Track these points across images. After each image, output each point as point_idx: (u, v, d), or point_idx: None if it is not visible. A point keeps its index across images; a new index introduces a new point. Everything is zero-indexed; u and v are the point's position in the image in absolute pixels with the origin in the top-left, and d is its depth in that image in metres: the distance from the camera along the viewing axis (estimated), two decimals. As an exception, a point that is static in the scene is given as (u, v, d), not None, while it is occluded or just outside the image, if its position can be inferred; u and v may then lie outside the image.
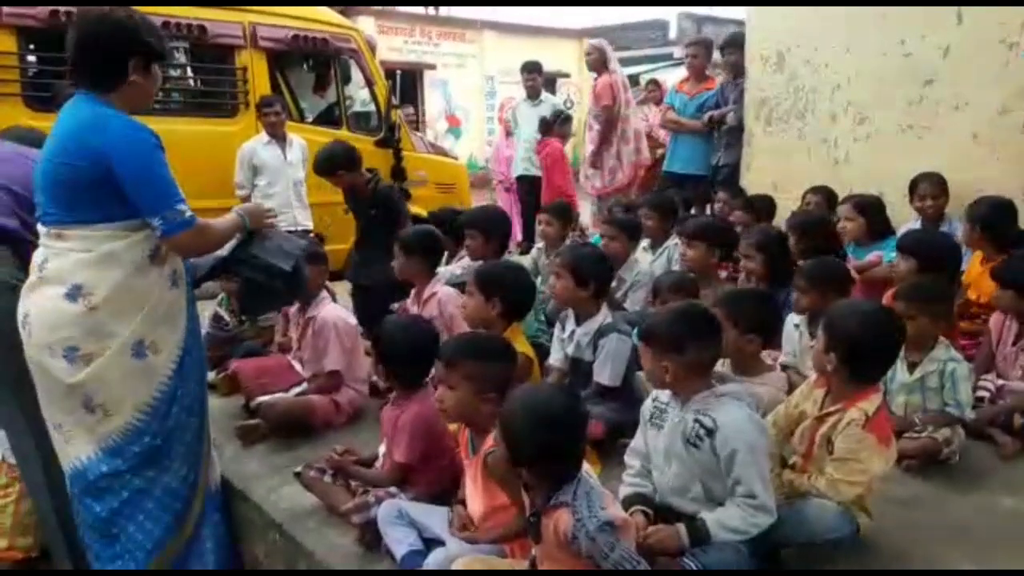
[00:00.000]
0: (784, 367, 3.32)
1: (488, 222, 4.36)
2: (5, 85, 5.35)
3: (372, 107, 7.47)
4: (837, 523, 2.27)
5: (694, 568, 2.07)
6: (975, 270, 3.92)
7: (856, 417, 2.27)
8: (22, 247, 2.98)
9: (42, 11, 5.39)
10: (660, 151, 7.52)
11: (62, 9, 5.41)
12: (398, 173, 7.11)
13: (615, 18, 28.11)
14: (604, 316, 3.15)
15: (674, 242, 4.53)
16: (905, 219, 4.66)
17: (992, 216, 3.89)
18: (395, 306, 4.36)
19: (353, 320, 3.61)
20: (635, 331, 3.23)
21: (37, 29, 5.57)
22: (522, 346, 2.96)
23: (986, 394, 3.28)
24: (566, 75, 20.24)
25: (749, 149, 6.30)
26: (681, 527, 2.13)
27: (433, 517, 2.43)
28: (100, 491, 2.57)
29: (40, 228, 2.52)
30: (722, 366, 2.62)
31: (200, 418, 2.76)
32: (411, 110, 12.30)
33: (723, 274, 4.35)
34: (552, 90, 16.55)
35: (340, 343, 3.47)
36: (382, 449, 2.78)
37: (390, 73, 10.50)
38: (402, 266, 3.81)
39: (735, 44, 6.50)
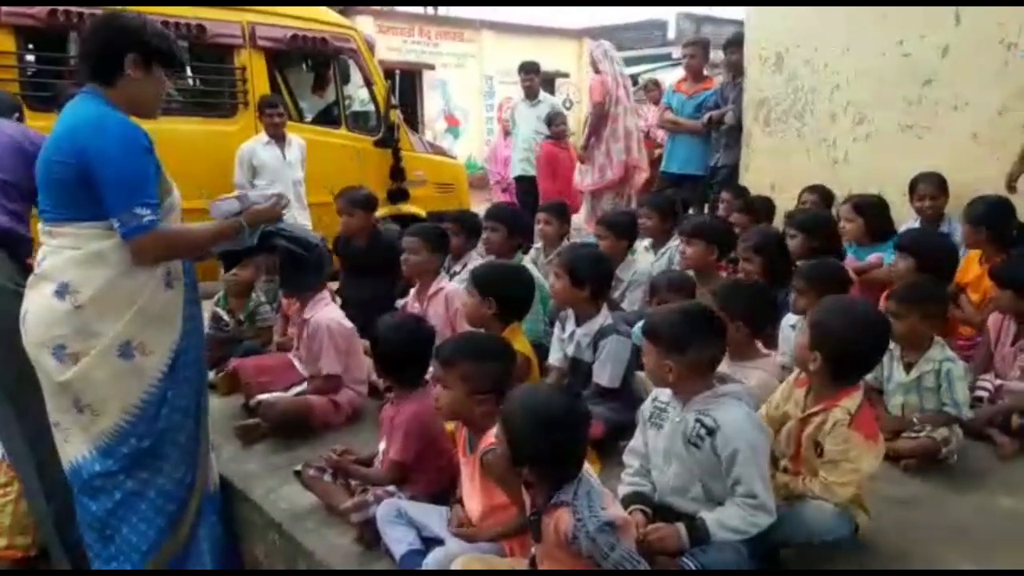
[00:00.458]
0: (783, 368, 3.32)
1: (513, 217, 4.38)
2: (4, 85, 5.34)
3: (371, 107, 7.46)
4: (835, 523, 2.27)
5: (693, 568, 2.08)
6: (972, 271, 3.92)
7: (841, 417, 2.27)
8: (20, 247, 2.98)
9: (41, 11, 5.39)
10: (658, 151, 7.53)
11: (61, 9, 5.41)
12: (397, 173, 7.11)
13: (614, 18, 28.16)
14: (604, 317, 3.15)
15: (676, 243, 4.53)
16: (904, 219, 4.66)
17: (992, 214, 3.90)
18: (399, 303, 4.38)
19: (349, 323, 3.59)
20: (636, 329, 3.24)
21: (36, 29, 5.57)
22: (521, 346, 2.96)
23: (984, 394, 3.29)
24: (565, 75, 20.25)
25: (748, 149, 6.30)
26: (681, 526, 2.13)
27: (432, 516, 2.43)
28: (95, 490, 2.57)
29: (39, 225, 2.53)
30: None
31: (196, 420, 2.74)
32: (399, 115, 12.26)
33: (723, 276, 4.35)
34: (551, 90, 16.57)
35: (334, 346, 3.45)
36: (381, 447, 2.78)
37: (389, 73, 10.52)
38: (418, 261, 3.84)
39: (737, 43, 6.51)
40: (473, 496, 2.35)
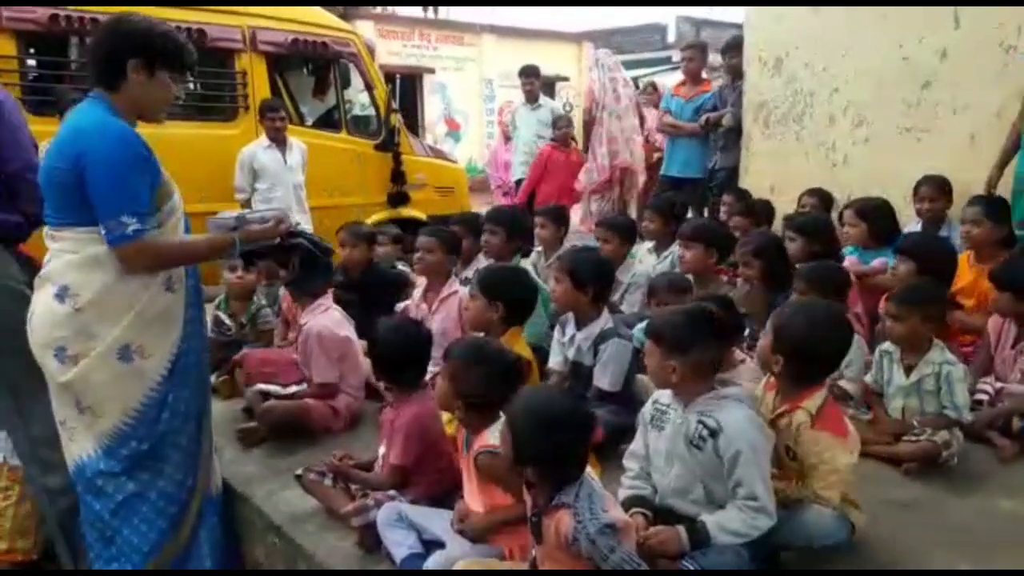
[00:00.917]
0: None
1: (512, 220, 4.38)
2: (5, 89, 5.35)
3: (371, 111, 7.48)
4: (836, 527, 2.27)
5: (693, 569, 2.08)
6: (964, 277, 3.91)
7: (803, 420, 2.29)
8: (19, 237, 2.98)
9: (42, 15, 5.40)
10: (657, 155, 7.55)
11: (62, 13, 5.43)
12: (397, 177, 7.12)
13: (614, 22, 28.19)
14: (605, 320, 3.15)
15: (678, 246, 4.54)
16: (904, 222, 4.66)
17: (991, 208, 3.91)
18: (398, 307, 4.38)
19: (343, 331, 3.55)
20: (636, 331, 3.24)
21: (37, 33, 5.59)
22: (521, 349, 2.97)
23: (984, 397, 3.29)
24: (565, 79, 20.25)
25: (747, 152, 6.31)
26: (681, 529, 2.13)
27: (433, 519, 2.43)
28: (99, 490, 2.58)
29: (44, 229, 2.55)
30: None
31: (197, 422, 2.75)
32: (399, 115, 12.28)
33: (723, 279, 4.35)
34: (551, 94, 16.57)
35: (325, 355, 3.44)
36: (381, 451, 2.79)
37: (389, 77, 10.53)
38: (432, 261, 3.87)
39: (736, 47, 6.52)
40: (472, 494, 2.36)
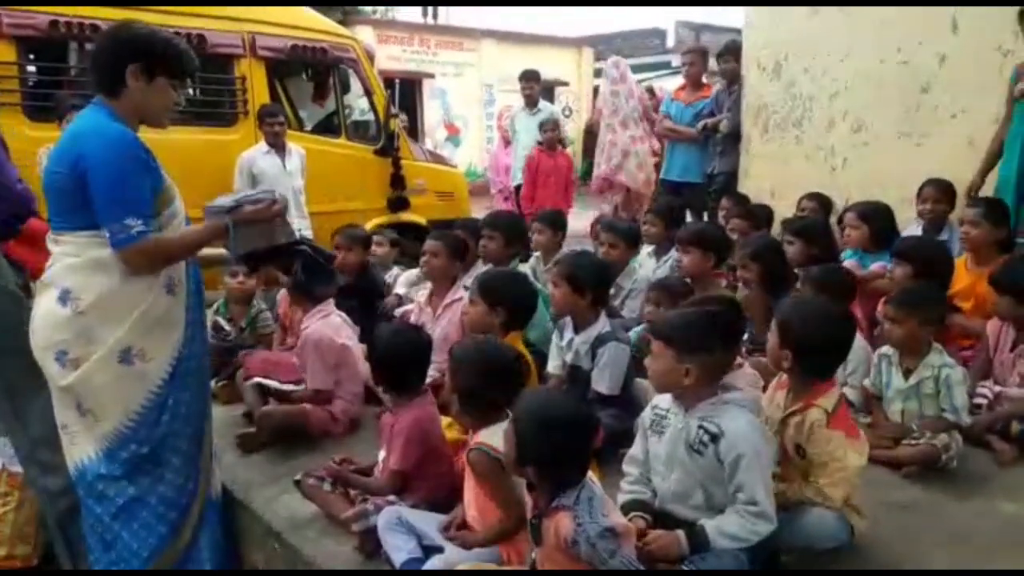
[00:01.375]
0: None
1: (510, 225, 4.39)
2: (5, 95, 5.37)
3: (371, 116, 7.49)
4: (836, 530, 2.28)
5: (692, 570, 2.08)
6: (961, 281, 3.91)
7: (818, 418, 2.30)
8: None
9: (42, 21, 5.41)
10: (655, 159, 7.57)
11: (62, 19, 5.44)
12: (397, 181, 7.13)
13: (613, 26, 28.25)
14: (603, 324, 3.15)
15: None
16: (904, 225, 4.67)
17: (991, 209, 3.92)
18: (398, 311, 4.38)
19: (340, 338, 3.53)
20: (632, 334, 3.24)
21: (37, 39, 5.59)
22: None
23: (983, 400, 3.28)
24: (564, 83, 20.29)
25: (747, 156, 6.33)
26: (680, 533, 2.13)
27: (432, 524, 2.43)
28: (100, 494, 2.59)
29: (48, 233, 2.56)
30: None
31: (197, 426, 2.75)
32: (404, 118, 12.31)
33: (723, 283, 4.35)
34: (550, 99, 16.61)
35: (321, 361, 3.43)
36: (381, 456, 2.79)
37: (389, 82, 10.55)
38: (437, 265, 3.88)
39: (732, 52, 6.54)
40: (469, 491, 2.38)
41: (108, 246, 2.44)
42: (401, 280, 4.88)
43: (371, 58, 7.65)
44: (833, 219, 4.91)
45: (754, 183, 6.18)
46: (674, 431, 2.26)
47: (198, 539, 2.78)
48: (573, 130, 16.91)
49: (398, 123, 7.30)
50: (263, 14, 6.51)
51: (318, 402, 3.45)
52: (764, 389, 2.73)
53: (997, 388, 3.33)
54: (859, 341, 3.12)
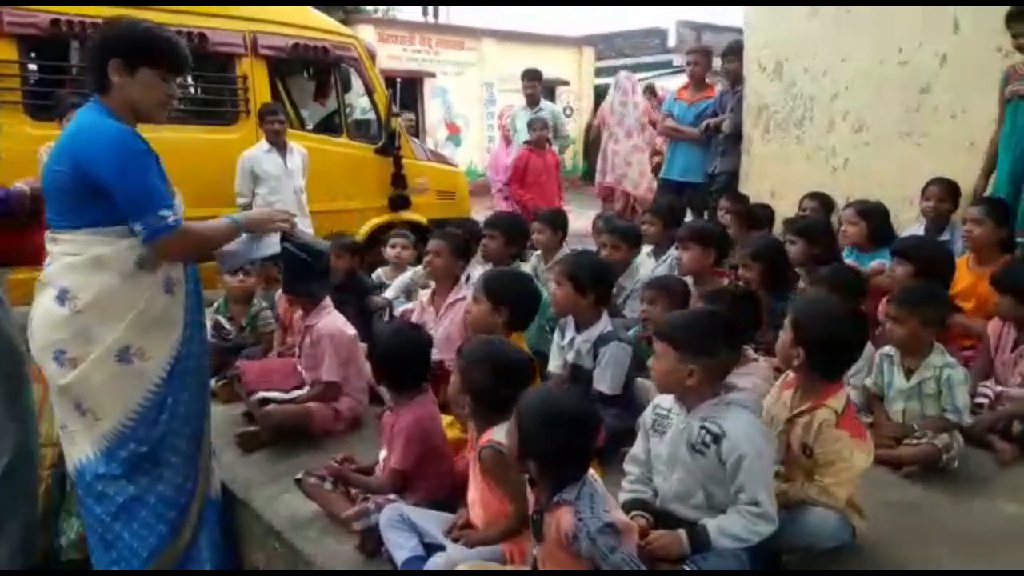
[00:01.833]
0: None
1: (510, 225, 4.38)
2: (6, 93, 5.37)
3: (372, 115, 7.49)
4: (838, 530, 2.28)
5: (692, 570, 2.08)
6: (962, 281, 3.91)
7: (827, 418, 2.29)
8: None
9: (43, 20, 5.41)
10: (657, 159, 7.57)
11: (63, 18, 5.44)
12: (398, 180, 7.13)
13: (615, 26, 28.25)
14: (604, 324, 3.15)
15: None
16: (904, 225, 4.67)
17: (993, 208, 3.92)
18: (398, 311, 4.38)
19: (351, 331, 3.59)
20: (630, 334, 3.24)
21: (38, 38, 5.59)
22: (521, 352, 2.97)
23: (985, 400, 3.29)
24: (565, 83, 20.28)
25: (748, 156, 6.33)
26: (682, 533, 2.13)
27: (434, 522, 2.43)
28: (99, 493, 2.59)
29: (47, 232, 2.56)
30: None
31: (196, 425, 2.75)
32: (411, 116, 12.31)
33: (724, 281, 4.35)
34: (551, 98, 16.59)
35: (336, 355, 3.45)
36: (382, 455, 2.79)
37: (390, 81, 10.54)
38: (439, 264, 3.88)
39: (735, 52, 6.53)
40: (474, 490, 2.38)
41: (107, 245, 2.44)
42: (395, 284, 4.87)
43: (372, 57, 7.64)
44: (835, 219, 4.92)
45: (755, 183, 6.18)
46: (676, 431, 2.26)
47: (198, 539, 2.77)
48: (574, 129, 16.89)
49: (401, 122, 7.30)
50: (265, 13, 6.51)
51: (327, 397, 3.46)
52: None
53: (998, 388, 3.33)
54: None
